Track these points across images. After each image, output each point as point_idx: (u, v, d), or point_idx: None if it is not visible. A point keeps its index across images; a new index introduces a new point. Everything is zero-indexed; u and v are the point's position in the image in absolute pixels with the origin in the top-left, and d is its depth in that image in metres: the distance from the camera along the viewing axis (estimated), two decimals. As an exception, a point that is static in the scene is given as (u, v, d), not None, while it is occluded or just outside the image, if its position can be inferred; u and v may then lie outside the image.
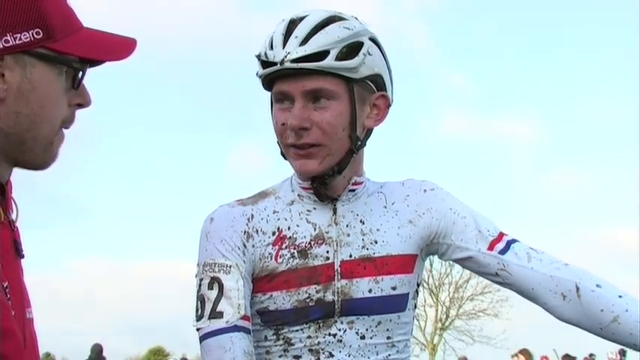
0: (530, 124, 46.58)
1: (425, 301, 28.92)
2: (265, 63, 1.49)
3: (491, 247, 1.55)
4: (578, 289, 1.49)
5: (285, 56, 1.45)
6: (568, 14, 43.63)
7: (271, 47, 1.48)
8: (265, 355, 1.54)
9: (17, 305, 1.06)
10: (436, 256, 1.63)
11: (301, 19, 1.49)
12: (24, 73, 1.09)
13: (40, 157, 1.15)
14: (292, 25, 1.48)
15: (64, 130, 1.19)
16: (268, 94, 1.57)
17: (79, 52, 1.14)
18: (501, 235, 1.57)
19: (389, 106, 1.59)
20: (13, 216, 1.14)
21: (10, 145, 1.10)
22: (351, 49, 1.48)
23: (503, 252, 1.54)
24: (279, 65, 1.45)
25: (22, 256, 1.14)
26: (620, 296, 1.48)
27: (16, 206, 1.16)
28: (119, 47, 1.21)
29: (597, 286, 1.49)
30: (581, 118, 42.93)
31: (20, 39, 1.08)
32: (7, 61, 1.08)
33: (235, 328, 1.47)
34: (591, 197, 42.67)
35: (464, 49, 44.38)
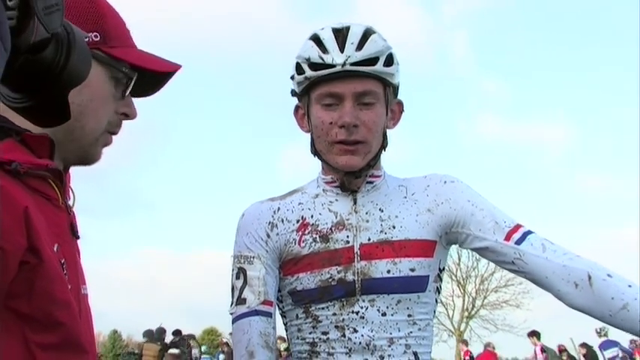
0: (561, 129, 45.95)
1: (453, 292, 28.74)
2: (319, 65, 1.49)
3: (507, 238, 1.52)
4: (590, 277, 1.45)
5: (346, 59, 1.47)
6: (600, 23, 42.92)
7: (325, 52, 1.49)
8: (297, 332, 1.56)
9: (73, 280, 1.08)
10: (464, 250, 1.61)
11: (346, 28, 1.51)
12: None
13: (84, 150, 1.16)
14: (338, 33, 1.50)
15: (112, 137, 1.20)
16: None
17: (130, 59, 1.15)
18: (517, 226, 1.54)
19: (401, 111, 1.62)
20: (70, 202, 1.16)
21: (60, 134, 1.11)
22: (390, 59, 1.52)
23: (519, 242, 1.51)
24: (340, 67, 1.47)
25: (78, 237, 1.16)
26: (629, 285, 1.44)
27: (74, 194, 1.18)
28: (163, 65, 1.21)
29: (608, 275, 1.46)
30: (609, 123, 42.18)
31: None
32: None
33: (255, 313, 1.51)
34: (617, 199, 41.76)
35: (499, 57, 43.96)
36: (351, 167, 1.53)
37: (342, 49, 1.48)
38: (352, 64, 1.47)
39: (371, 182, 1.59)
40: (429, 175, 1.64)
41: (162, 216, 48.49)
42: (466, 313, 28.61)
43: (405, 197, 1.60)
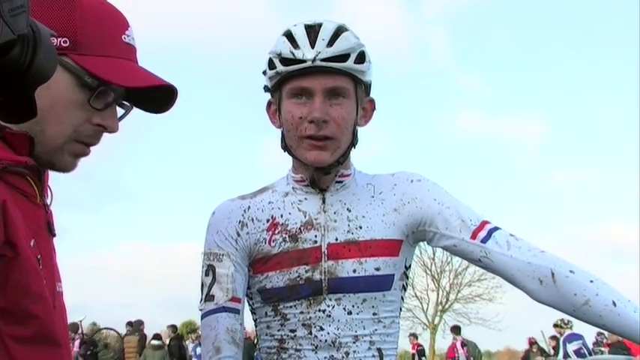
0: (538, 124, 46.57)
1: (427, 286, 28.96)
2: (290, 61, 1.49)
3: (473, 236, 1.52)
4: (553, 274, 1.46)
5: (317, 55, 1.47)
6: (578, 21, 43.44)
7: (296, 47, 1.48)
8: (266, 329, 1.57)
9: (48, 277, 1.07)
10: (435, 246, 1.58)
11: (318, 25, 1.51)
12: None
13: (49, 156, 1.12)
14: (310, 29, 1.50)
15: (86, 147, 1.15)
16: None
17: (93, 69, 1.10)
18: (483, 223, 1.54)
19: (373, 109, 1.62)
20: (48, 200, 1.15)
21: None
22: (361, 56, 1.52)
23: (484, 240, 1.52)
24: (310, 63, 1.47)
25: (54, 235, 1.15)
26: (591, 281, 1.45)
27: (52, 193, 1.17)
28: (135, 79, 1.15)
29: (571, 272, 1.47)
30: (585, 119, 42.85)
31: None
32: None
33: (223, 309, 1.52)
34: (592, 193, 42.27)
35: (479, 53, 44.41)
36: (320, 163, 1.52)
37: (313, 44, 1.48)
38: (323, 60, 1.47)
39: (340, 181, 1.59)
40: (397, 174, 1.63)
41: (144, 209, 48.61)
42: (440, 307, 28.81)
43: (373, 197, 1.59)
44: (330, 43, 1.48)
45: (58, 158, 1.13)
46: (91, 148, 1.18)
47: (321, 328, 1.51)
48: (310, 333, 1.51)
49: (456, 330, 17.19)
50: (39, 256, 1.05)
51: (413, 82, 44.98)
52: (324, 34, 1.49)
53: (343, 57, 1.49)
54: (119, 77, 1.13)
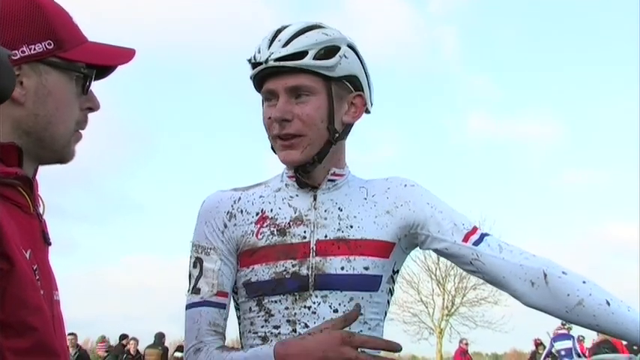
0: (549, 125, 45.95)
1: (433, 291, 28.86)
2: (254, 65, 1.51)
3: (466, 239, 1.52)
4: (545, 275, 1.46)
5: (269, 56, 1.47)
6: (588, 21, 43.21)
7: (259, 51, 1.50)
8: (250, 325, 1.53)
9: (45, 287, 1.07)
10: (427, 249, 1.55)
11: (285, 27, 1.52)
12: (40, 80, 1.11)
13: (58, 154, 1.16)
14: (278, 32, 1.51)
15: (81, 132, 1.20)
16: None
17: (86, 59, 1.15)
18: (475, 228, 1.54)
19: (364, 104, 1.58)
20: (40, 210, 1.15)
21: (31, 144, 1.12)
22: (329, 52, 1.50)
23: (477, 243, 1.51)
24: (264, 64, 1.48)
25: (49, 244, 1.15)
26: (584, 282, 1.45)
27: (43, 202, 1.17)
28: (119, 55, 1.22)
29: (563, 273, 1.46)
30: (596, 119, 42.26)
31: (34, 49, 1.10)
32: (25, 69, 1.10)
33: (207, 303, 1.51)
34: (603, 194, 41.80)
35: (488, 53, 44.00)
36: (291, 162, 1.52)
37: (269, 46, 1.49)
38: (275, 60, 1.48)
39: (333, 180, 1.58)
40: (391, 178, 1.62)
41: (152, 220, 48.39)
42: (446, 311, 28.71)
43: (365, 199, 1.58)
44: (287, 43, 1.48)
45: (67, 152, 1.18)
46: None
47: (306, 325, 1.47)
48: (294, 330, 1.48)
49: None
50: (35, 267, 1.04)
51: (421, 84, 44.54)
52: (283, 35, 1.49)
53: (299, 55, 1.48)
54: (108, 59, 1.18)
